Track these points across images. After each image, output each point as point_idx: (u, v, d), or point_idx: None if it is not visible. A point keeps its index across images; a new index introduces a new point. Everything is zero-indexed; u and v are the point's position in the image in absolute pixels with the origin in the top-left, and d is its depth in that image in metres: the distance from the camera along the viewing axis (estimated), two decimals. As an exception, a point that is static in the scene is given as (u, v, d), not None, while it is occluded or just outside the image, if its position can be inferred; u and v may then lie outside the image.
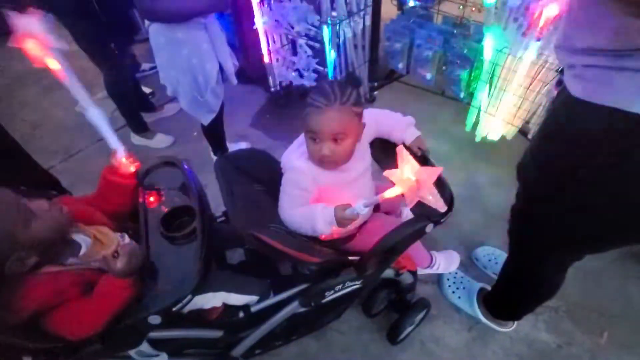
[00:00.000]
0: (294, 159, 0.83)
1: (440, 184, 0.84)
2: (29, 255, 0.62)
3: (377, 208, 1.03)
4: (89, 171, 1.52)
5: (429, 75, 1.89)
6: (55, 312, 0.63)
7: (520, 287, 0.99)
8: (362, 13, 1.72)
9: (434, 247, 1.32)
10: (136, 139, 1.98)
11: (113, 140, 0.82)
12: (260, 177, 0.96)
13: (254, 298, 0.85)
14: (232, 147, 1.81)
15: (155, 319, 0.62)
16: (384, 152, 0.94)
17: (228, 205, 0.79)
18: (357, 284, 0.87)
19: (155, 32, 1.31)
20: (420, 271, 1.21)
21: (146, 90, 2.22)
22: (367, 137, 0.90)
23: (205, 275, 0.66)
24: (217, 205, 0.96)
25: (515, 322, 1.18)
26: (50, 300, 0.62)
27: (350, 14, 1.67)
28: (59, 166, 1.91)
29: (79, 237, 0.69)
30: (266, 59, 1.94)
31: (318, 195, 0.82)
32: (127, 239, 0.76)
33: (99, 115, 0.81)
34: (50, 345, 0.65)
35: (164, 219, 0.75)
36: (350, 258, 0.86)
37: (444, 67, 1.85)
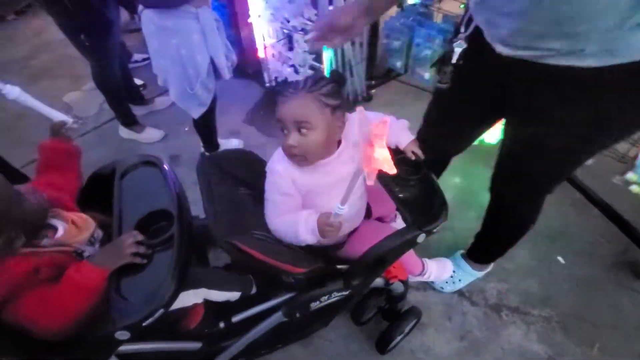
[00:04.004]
0: (275, 161, 0.79)
1: (433, 192, 0.80)
2: (18, 235, 0.63)
3: (368, 214, 0.99)
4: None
5: (427, 75, 1.84)
6: (25, 296, 0.61)
7: (503, 219, 1.10)
8: (360, 9, 1.67)
9: (426, 252, 1.28)
10: (125, 133, 1.91)
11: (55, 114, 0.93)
12: (246, 180, 0.91)
13: (236, 294, 0.82)
14: (224, 143, 1.77)
15: (123, 335, 0.58)
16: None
17: (208, 211, 0.74)
18: (344, 293, 0.84)
19: (146, 19, 1.25)
20: (411, 278, 1.18)
21: (138, 82, 2.15)
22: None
23: (180, 288, 0.62)
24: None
25: (492, 265, 1.27)
26: (22, 282, 0.61)
27: (348, 10, 1.61)
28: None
29: (56, 222, 0.70)
30: (261, 54, 1.89)
31: (302, 201, 0.78)
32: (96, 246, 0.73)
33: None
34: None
35: (138, 224, 0.71)
36: (338, 267, 0.82)
37: (443, 67, 1.81)
